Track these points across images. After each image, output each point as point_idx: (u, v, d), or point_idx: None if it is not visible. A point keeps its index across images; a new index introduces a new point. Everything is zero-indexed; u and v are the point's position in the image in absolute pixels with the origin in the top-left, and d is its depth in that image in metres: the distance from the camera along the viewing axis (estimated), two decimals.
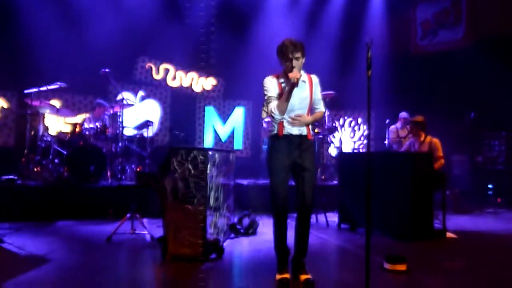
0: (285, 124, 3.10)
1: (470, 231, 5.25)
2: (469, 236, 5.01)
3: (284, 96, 3.02)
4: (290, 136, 3.10)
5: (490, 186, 7.82)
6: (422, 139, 5.68)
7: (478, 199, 7.64)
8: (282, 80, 3.14)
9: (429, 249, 4.33)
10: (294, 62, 3.01)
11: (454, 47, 9.23)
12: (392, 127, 7.58)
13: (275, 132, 3.13)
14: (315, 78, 3.22)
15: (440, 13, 9.61)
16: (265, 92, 3.15)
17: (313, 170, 3.17)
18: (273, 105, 3.08)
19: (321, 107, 3.27)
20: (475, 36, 8.89)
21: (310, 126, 3.21)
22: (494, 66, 7.80)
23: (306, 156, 3.12)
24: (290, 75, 2.95)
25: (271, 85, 3.14)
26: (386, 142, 7.45)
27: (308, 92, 3.14)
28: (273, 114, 3.08)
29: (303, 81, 3.10)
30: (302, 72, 3.10)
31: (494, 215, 6.65)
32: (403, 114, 7.53)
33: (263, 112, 3.38)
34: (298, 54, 3.03)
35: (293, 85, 2.95)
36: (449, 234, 4.91)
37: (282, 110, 3.04)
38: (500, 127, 7.97)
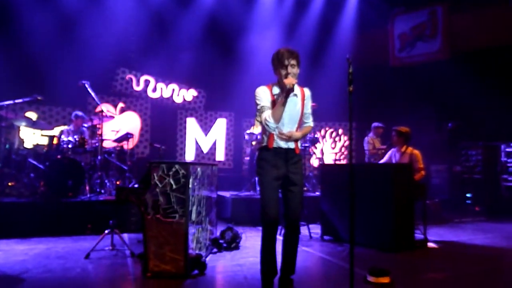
0: (275, 137, 3.04)
1: (450, 241, 5.31)
2: (450, 246, 5.07)
3: (280, 102, 2.92)
4: (279, 149, 3.04)
5: (468, 195, 7.99)
6: (403, 150, 5.75)
7: (457, 208, 7.79)
8: (275, 89, 3.05)
9: (411, 260, 4.36)
10: (290, 69, 2.96)
11: (431, 59, 9.47)
12: (366, 138, 7.69)
13: (265, 144, 3.06)
14: (307, 92, 3.15)
15: (417, 26, 9.86)
16: (258, 102, 3.03)
17: (301, 185, 3.13)
18: (267, 113, 2.97)
19: (310, 122, 3.21)
20: (452, 48, 9.15)
21: (299, 141, 3.17)
22: (471, 77, 8.03)
23: (295, 170, 3.07)
24: (286, 81, 2.88)
25: (264, 95, 3.03)
26: (371, 152, 7.55)
27: (300, 105, 3.08)
28: (267, 123, 2.97)
29: (295, 94, 3.02)
30: (296, 87, 3.02)
31: (472, 224, 6.76)
32: (375, 124, 7.68)
33: (255, 123, 3.32)
34: (294, 62, 2.98)
35: (289, 90, 2.86)
36: (430, 244, 4.96)
37: (277, 117, 2.95)
38: (477, 137, 8.17)
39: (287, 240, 3.12)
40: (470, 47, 8.80)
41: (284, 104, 2.92)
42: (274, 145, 3.04)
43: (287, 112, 3.00)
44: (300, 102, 3.08)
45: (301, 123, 3.14)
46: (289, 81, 2.88)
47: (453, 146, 8.34)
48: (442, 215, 6.90)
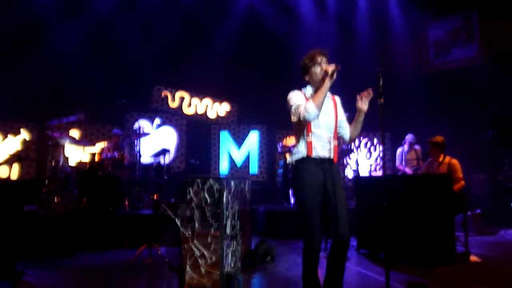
0: (315, 144, 2.87)
1: (494, 254, 5.08)
2: (493, 259, 4.86)
3: (323, 86, 2.77)
4: (318, 159, 2.86)
5: None
6: (440, 159, 5.60)
7: (501, 219, 7.43)
8: (308, 90, 2.97)
9: (451, 275, 4.20)
10: (324, 66, 2.88)
11: (468, 64, 9.20)
12: (399, 150, 7.52)
13: (304, 153, 2.87)
14: (338, 99, 3.07)
15: (452, 31, 9.63)
16: (292, 103, 2.88)
17: (345, 198, 2.93)
18: (305, 104, 2.78)
19: (347, 125, 3.08)
20: (490, 52, 8.85)
21: (337, 148, 2.98)
22: (510, 82, 7.72)
23: (337, 182, 2.88)
24: (327, 66, 2.80)
25: (298, 95, 2.92)
26: (400, 166, 7.40)
27: (334, 113, 2.97)
28: (307, 113, 2.75)
29: (327, 96, 2.92)
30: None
31: None
32: (409, 137, 7.47)
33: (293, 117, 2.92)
34: (326, 60, 2.92)
35: (334, 70, 2.75)
36: (472, 258, 4.77)
37: (319, 102, 2.76)
38: None
39: (334, 261, 2.84)
40: (508, 51, 8.46)
41: (326, 88, 2.77)
42: (313, 154, 2.87)
43: (323, 117, 2.87)
44: (333, 109, 2.98)
45: (336, 131, 2.98)
46: (329, 66, 2.80)
47: (494, 154, 8.01)
48: (485, 227, 6.62)
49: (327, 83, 2.78)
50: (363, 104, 2.93)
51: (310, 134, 2.88)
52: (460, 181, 5.44)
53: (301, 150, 2.91)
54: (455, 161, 5.54)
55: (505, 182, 7.86)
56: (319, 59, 2.90)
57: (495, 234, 6.52)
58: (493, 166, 8.07)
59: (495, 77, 8.05)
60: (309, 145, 2.87)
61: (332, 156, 2.91)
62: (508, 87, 7.76)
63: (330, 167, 2.89)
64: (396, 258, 4.49)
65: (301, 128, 2.91)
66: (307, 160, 2.87)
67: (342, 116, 3.07)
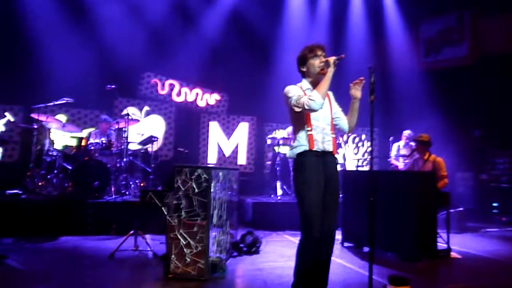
0: (316, 136, 2.87)
1: (474, 251, 5.20)
2: (473, 256, 4.96)
3: (326, 76, 2.80)
4: (320, 152, 2.87)
5: (495, 204, 7.79)
6: (426, 157, 5.68)
7: (483, 217, 7.60)
8: (304, 84, 2.99)
9: (433, 270, 4.30)
10: (322, 59, 2.92)
11: (458, 64, 9.29)
12: (395, 145, 7.59)
13: (306, 146, 2.87)
14: (331, 93, 3.08)
15: (443, 30, 9.70)
16: (291, 94, 2.87)
17: (339, 193, 2.96)
18: (309, 93, 2.81)
19: (343, 115, 3.11)
20: (480, 53, 8.94)
21: (336, 140, 3.00)
22: (500, 83, 7.83)
23: (334, 175, 2.91)
24: (328, 58, 2.84)
25: (294, 88, 2.93)
26: (392, 159, 7.45)
27: (328, 105, 2.99)
28: (311, 101, 2.75)
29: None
30: None
31: (498, 234, 6.59)
32: (406, 133, 7.54)
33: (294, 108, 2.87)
34: (324, 54, 2.95)
35: (337, 59, 2.80)
36: (453, 254, 4.87)
37: (323, 92, 2.77)
38: (505, 145, 7.96)
39: (320, 253, 2.87)
40: (499, 52, 8.57)
41: (329, 77, 2.80)
42: (315, 147, 2.86)
43: (320, 110, 2.87)
44: (328, 102, 3.01)
45: (333, 124, 3.01)
46: (331, 57, 2.84)
47: (480, 154, 8.15)
48: (467, 225, 6.75)
49: (330, 72, 2.82)
50: (356, 92, 2.98)
51: (310, 127, 2.89)
52: (444, 179, 5.54)
53: (302, 143, 2.90)
54: (440, 160, 5.63)
55: (489, 181, 8.02)
56: (318, 52, 2.93)
57: (477, 231, 6.66)
58: (478, 165, 8.21)
59: (484, 77, 8.16)
60: (310, 138, 2.87)
61: (332, 149, 2.94)
62: (496, 88, 7.88)
63: (330, 160, 2.92)
64: (379, 252, 4.56)
65: (301, 121, 2.91)
66: (309, 153, 2.86)
67: (337, 108, 3.11)
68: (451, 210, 5.80)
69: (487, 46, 8.86)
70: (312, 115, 2.89)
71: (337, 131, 3.12)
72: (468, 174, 8.29)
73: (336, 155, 2.99)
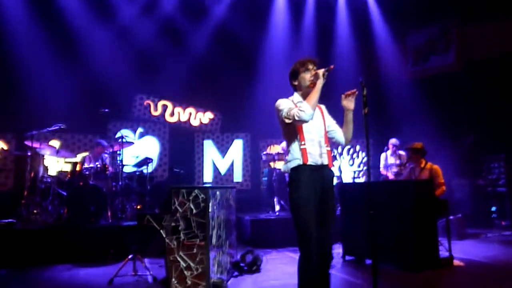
0: (309, 150, 2.84)
1: (477, 257, 5.17)
2: (476, 263, 4.93)
3: (316, 87, 2.81)
4: (315, 166, 2.84)
5: (493, 209, 7.80)
6: (422, 165, 5.69)
7: (482, 223, 7.60)
8: (296, 97, 2.99)
9: (435, 280, 4.25)
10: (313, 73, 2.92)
11: (446, 71, 9.41)
12: (383, 155, 7.59)
13: (300, 161, 2.83)
14: (323, 107, 3.10)
15: (430, 40, 9.87)
16: (282, 107, 2.87)
17: (335, 210, 2.94)
18: (299, 106, 2.79)
19: (337, 126, 3.08)
20: (466, 60, 9.07)
21: (331, 153, 2.97)
22: (489, 88, 7.93)
23: (331, 191, 2.89)
24: (317, 71, 2.85)
25: (285, 101, 2.93)
26: (383, 171, 7.45)
27: (321, 118, 3.00)
28: (300, 113, 2.74)
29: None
30: None
31: (499, 238, 6.57)
32: (393, 141, 7.56)
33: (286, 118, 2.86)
34: (316, 68, 2.95)
35: (326, 71, 2.81)
36: (456, 262, 4.84)
37: (313, 103, 2.77)
38: (499, 149, 8.01)
39: (319, 269, 2.84)
40: (484, 58, 8.69)
41: (319, 88, 2.80)
42: (309, 161, 2.83)
43: (313, 123, 2.88)
44: (321, 115, 3.01)
45: (327, 137, 2.99)
46: (320, 71, 2.85)
47: (474, 159, 8.19)
48: (467, 231, 6.74)
49: (319, 83, 2.82)
50: (348, 103, 2.97)
51: (303, 140, 2.86)
52: (442, 187, 5.54)
53: (296, 157, 2.87)
54: (436, 167, 5.64)
55: (485, 186, 8.05)
56: (310, 66, 2.94)
57: (477, 237, 6.64)
58: (473, 171, 8.24)
59: (471, 83, 8.26)
60: (303, 152, 2.84)
61: (326, 162, 2.91)
62: (484, 93, 7.97)
63: (326, 173, 2.89)
64: (381, 264, 4.51)
65: (294, 135, 2.90)
66: (303, 167, 2.83)
67: (331, 121, 3.10)
68: (450, 217, 5.80)
69: (472, 53, 9.00)
70: (305, 128, 2.87)
71: (333, 144, 3.11)
72: (464, 180, 8.32)
73: (332, 168, 2.98)
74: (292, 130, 2.90)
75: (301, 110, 2.75)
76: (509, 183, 7.73)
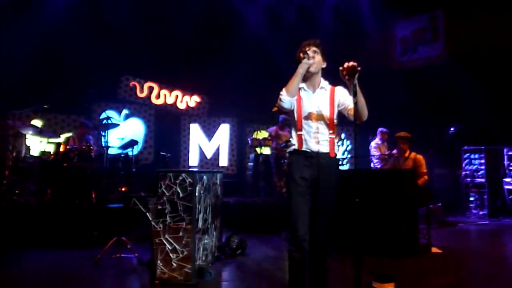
0: (305, 137, 2.79)
1: (454, 245, 5.34)
2: (453, 250, 5.10)
3: (295, 74, 2.70)
4: (310, 153, 2.77)
5: (471, 199, 8.02)
6: (406, 155, 5.80)
7: (461, 212, 7.82)
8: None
9: (416, 266, 4.38)
10: (311, 54, 2.77)
11: (433, 62, 9.52)
12: (373, 143, 7.68)
13: (296, 146, 2.81)
14: (338, 89, 2.90)
15: (418, 30, 9.93)
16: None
17: (332, 198, 2.86)
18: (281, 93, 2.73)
19: (351, 103, 2.74)
20: (453, 51, 9.18)
21: (335, 141, 2.86)
22: (473, 81, 8.06)
23: (329, 180, 2.80)
24: (302, 55, 2.74)
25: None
26: (374, 160, 7.52)
27: (328, 103, 2.83)
28: (281, 102, 2.72)
29: (323, 87, 2.84)
30: (324, 81, 2.88)
31: (476, 228, 6.79)
32: (382, 129, 7.66)
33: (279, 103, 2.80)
34: (315, 48, 2.82)
35: (306, 59, 2.69)
36: (434, 249, 4.99)
37: (290, 87, 2.68)
38: (480, 141, 8.19)
39: (313, 267, 2.85)
40: (471, 48, 8.80)
41: (298, 73, 2.69)
42: (304, 147, 2.79)
43: (314, 109, 2.79)
44: (329, 100, 2.84)
45: (333, 124, 2.84)
46: (308, 57, 2.74)
47: (455, 150, 8.37)
48: (446, 219, 6.93)
49: (299, 68, 2.71)
50: (348, 79, 2.70)
51: (300, 127, 2.81)
52: (424, 176, 5.67)
53: (293, 143, 2.85)
54: (420, 157, 5.75)
55: (465, 177, 8.25)
56: (307, 48, 2.81)
57: (455, 226, 6.84)
58: (454, 162, 8.43)
59: (458, 74, 8.38)
60: (299, 138, 2.80)
61: (327, 150, 2.81)
62: (469, 85, 8.11)
63: (324, 162, 2.79)
64: (364, 252, 4.61)
65: (293, 121, 2.86)
66: (298, 153, 2.80)
67: (344, 100, 2.88)
68: (430, 206, 5.94)
69: (460, 44, 9.11)
70: (304, 114, 2.80)
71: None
72: (445, 170, 8.51)
73: (333, 157, 2.85)
74: (291, 116, 2.86)
75: (280, 97, 2.72)
76: (488, 174, 7.95)
